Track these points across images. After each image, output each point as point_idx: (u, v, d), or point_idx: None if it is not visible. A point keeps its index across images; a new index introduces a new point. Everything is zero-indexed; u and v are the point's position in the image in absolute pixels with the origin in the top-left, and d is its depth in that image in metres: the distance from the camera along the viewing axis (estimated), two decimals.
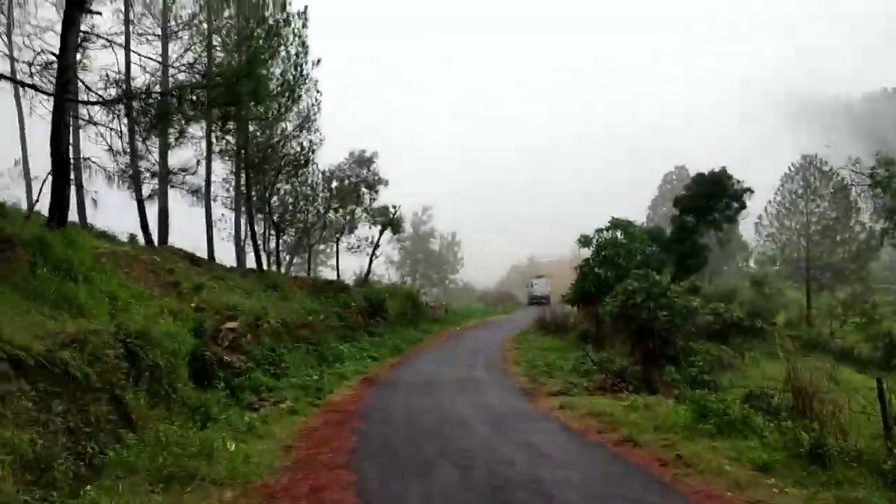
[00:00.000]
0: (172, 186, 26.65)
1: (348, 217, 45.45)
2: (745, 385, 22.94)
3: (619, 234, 33.01)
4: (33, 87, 14.04)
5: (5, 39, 20.84)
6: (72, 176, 16.95)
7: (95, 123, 15.99)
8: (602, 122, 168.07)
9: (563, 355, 24.11)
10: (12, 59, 17.10)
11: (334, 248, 49.12)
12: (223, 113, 14.94)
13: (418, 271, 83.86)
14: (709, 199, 34.35)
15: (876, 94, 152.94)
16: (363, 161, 44.92)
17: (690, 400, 13.18)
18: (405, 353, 26.63)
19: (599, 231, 32.79)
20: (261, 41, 29.03)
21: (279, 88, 32.32)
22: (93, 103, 14.62)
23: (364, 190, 44.74)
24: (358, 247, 47.24)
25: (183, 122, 15.09)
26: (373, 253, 47.18)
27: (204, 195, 31.81)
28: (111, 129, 16.29)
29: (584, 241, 33.15)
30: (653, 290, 23.98)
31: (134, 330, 12.33)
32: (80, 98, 16.20)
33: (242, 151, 32.88)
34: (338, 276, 46.03)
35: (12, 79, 15.05)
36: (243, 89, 12.23)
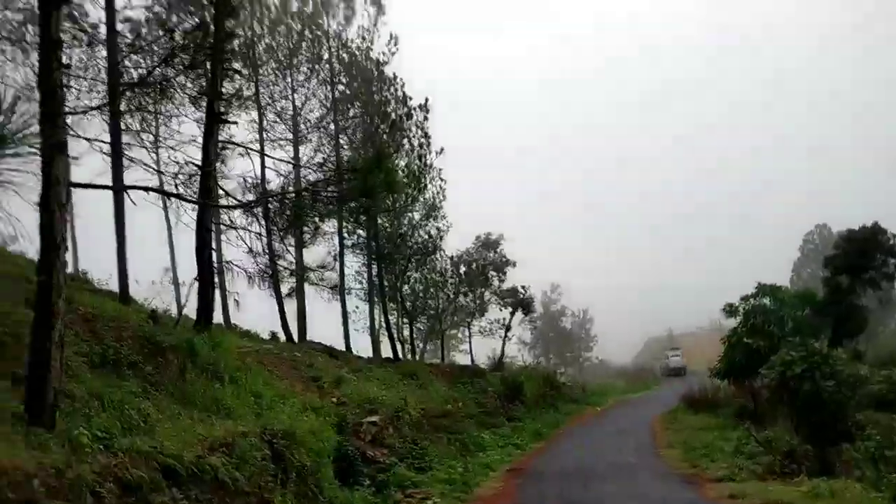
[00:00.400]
0: (310, 283, 27.31)
1: (478, 301, 45.29)
2: None
3: (766, 300, 30.99)
4: (178, 196, 14.72)
5: (153, 155, 22.46)
6: (216, 279, 17.57)
7: (236, 227, 16.60)
8: (729, 187, 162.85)
9: (721, 435, 22.37)
10: (160, 173, 18.30)
11: (466, 333, 48.91)
12: (357, 206, 15.18)
13: (551, 351, 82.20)
14: (862, 256, 31.83)
15: None
16: (489, 244, 44.95)
17: (887, 483, 11.62)
18: (548, 438, 25.58)
19: (745, 298, 30.90)
20: (385, 136, 29.98)
21: (405, 179, 33.05)
22: (233, 207, 15.16)
23: (492, 273, 44.59)
24: (490, 330, 46.85)
25: (317, 219, 15.48)
26: (505, 335, 46.65)
27: (338, 289, 32.55)
28: (250, 231, 16.83)
29: (730, 310, 31.26)
30: (813, 359, 22.10)
31: (279, 430, 12.28)
32: (221, 204, 16.89)
33: (373, 244, 33.58)
34: (472, 360, 45.71)
35: (160, 190, 15.89)
36: (375, 181, 12.38)
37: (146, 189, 12.74)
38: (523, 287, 45.31)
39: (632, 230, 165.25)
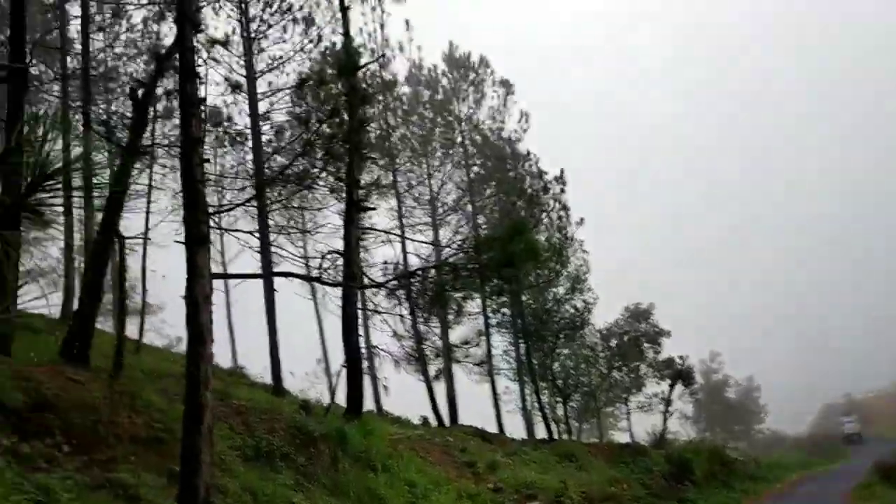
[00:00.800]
0: (455, 361, 26.96)
1: (633, 375, 43.29)
2: None
3: None
4: (319, 280, 14.95)
5: (300, 248, 23.47)
6: (364, 364, 17.55)
7: (380, 311, 16.60)
8: None
9: None
10: (307, 264, 18.95)
11: (623, 409, 46.76)
12: (498, 280, 14.81)
13: (717, 424, 77.21)
14: None
15: None
16: (640, 314, 43.19)
17: None
18: None
19: None
20: (523, 212, 29.76)
21: (546, 254, 32.56)
22: (374, 286, 15.20)
23: (646, 344, 42.64)
24: (648, 405, 44.49)
25: (459, 296, 15.26)
26: (665, 410, 44.09)
27: (486, 368, 32.09)
28: (394, 314, 16.80)
29: None
30: None
31: None
32: (363, 284, 17.03)
33: (518, 321, 33.03)
34: (631, 438, 43.45)
35: (304, 276, 16.26)
36: (515, 249, 11.98)
37: (287, 275, 12.97)
38: (681, 357, 42.89)
39: (790, 289, 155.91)
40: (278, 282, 18.12)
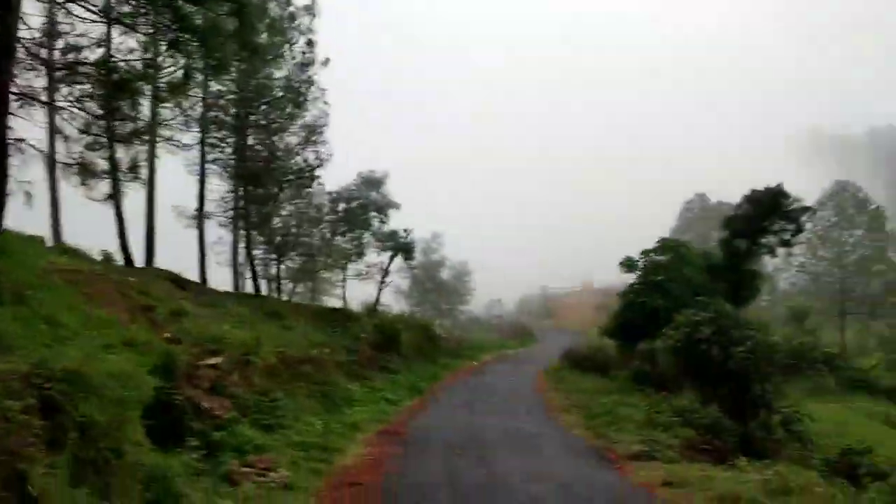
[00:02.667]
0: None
1: (356, 242, 41.69)
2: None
3: (663, 257, 29.00)
4: None
5: None
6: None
7: (35, 99, 12.23)
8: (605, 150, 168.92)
9: (621, 399, 20.05)
10: None
11: (341, 276, 45.41)
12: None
13: (428, 301, 79.69)
14: (763, 219, 30.26)
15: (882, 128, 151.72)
16: (372, 182, 41.20)
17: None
18: (426, 394, 22.66)
19: (646, 253, 28.79)
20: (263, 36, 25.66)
21: (283, 93, 28.93)
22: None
23: (373, 213, 40.96)
24: (366, 274, 43.57)
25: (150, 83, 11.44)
26: (382, 280, 43.59)
27: (197, 212, 28.32)
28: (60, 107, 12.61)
29: (629, 265, 29.13)
30: (723, 322, 20.16)
31: (60, 370, 8.48)
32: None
33: (240, 164, 29.27)
34: (345, 304, 42.32)
35: None
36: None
37: None
38: (405, 231, 42.05)
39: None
40: None
